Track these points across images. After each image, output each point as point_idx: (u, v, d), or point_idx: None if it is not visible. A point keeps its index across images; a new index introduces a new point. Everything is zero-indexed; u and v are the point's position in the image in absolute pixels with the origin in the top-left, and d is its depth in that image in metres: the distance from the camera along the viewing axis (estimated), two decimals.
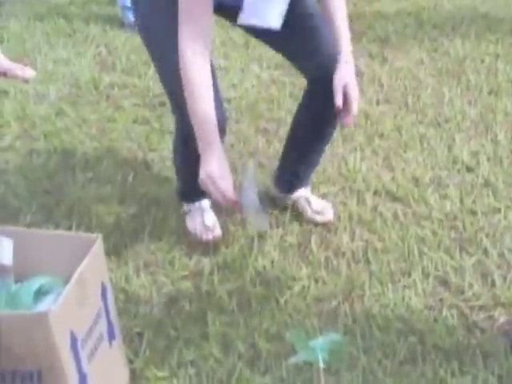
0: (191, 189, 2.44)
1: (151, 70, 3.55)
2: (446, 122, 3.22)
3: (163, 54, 2.17)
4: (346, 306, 2.26)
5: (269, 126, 3.18)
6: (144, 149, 3.06)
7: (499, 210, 2.65)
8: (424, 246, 2.48)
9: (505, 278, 2.34)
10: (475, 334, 2.14)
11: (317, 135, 2.43)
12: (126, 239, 2.53)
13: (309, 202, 2.61)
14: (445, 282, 2.34)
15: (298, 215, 2.62)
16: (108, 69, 3.76)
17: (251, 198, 2.00)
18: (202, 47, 2.00)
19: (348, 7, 4.11)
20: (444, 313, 2.22)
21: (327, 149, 2.55)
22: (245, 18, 2.08)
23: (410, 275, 2.37)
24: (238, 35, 3.98)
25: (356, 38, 3.92)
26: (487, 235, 2.53)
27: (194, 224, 2.53)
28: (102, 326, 1.85)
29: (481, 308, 2.23)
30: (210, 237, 2.51)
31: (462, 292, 2.30)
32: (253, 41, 3.73)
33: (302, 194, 2.63)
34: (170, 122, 2.93)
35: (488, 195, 2.73)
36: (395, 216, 2.63)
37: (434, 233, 2.54)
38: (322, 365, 1.81)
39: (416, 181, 2.82)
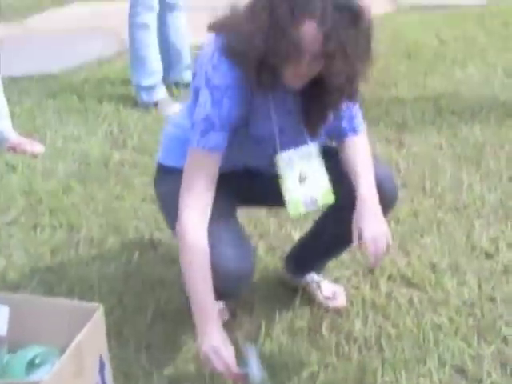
0: None
1: None
2: (464, 208, 3.21)
3: None
4: None
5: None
6: (151, 228, 3.06)
7: None
8: (440, 333, 2.44)
9: None
10: None
11: (341, 245, 2.42)
12: (128, 318, 2.51)
13: (320, 287, 2.59)
14: (462, 371, 2.29)
15: (308, 298, 2.59)
16: (119, 146, 3.81)
17: (255, 367, 2.00)
18: (202, 220, 2.01)
19: (364, 93, 4.20)
20: None
21: None
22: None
23: (425, 363, 2.32)
24: None
25: (373, 122, 4.03)
26: (507, 323, 2.49)
27: None
28: None
29: None
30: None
31: (480, 381, 2.24)
32: None
33: (314, 278, 2.61)
34: None
35: (507, 282, 2.70)
36: (410, 302, 2.60)
37: (451, 320, 2.51)
38: None
39: (433, 266, 2.80)
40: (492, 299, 2.62)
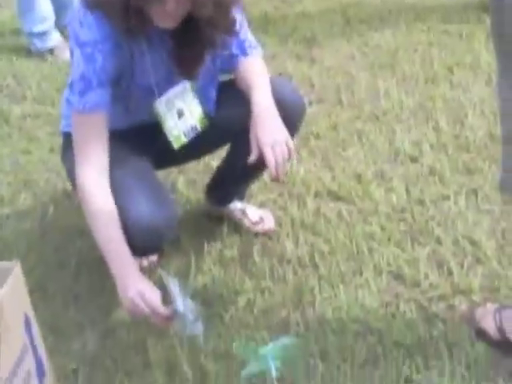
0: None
1: None
2: (383, 115, 3.25)
3: None
4: (296, 314, 2.23)
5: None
6: (63, 178, 2.99)
7: (448, 197, 2.67)
8: (373, 242, 2.48)
9: (461, 265, 2.35)
10: (437, 325, 2.14)
11: (257, 168, 2.40)
12: (51, 273, 2.48)
13: (245, 214, 2.59)
14: (399, 277, 2.34)
15: (236, 226, 2.59)
16: (18, 100, 3.70)
17: (180, 299, 1.98)
18: (102, 179, 2.01)
19: (270, 10, 4.17)
20: (401, 308, 2.21)
21: None
22: None
23: (361, 274, 2.36)
24: None
25: (281, 41, 4.02)
26: (438, 223, 2.54)
27: None
28: (30, 364, 1.79)
29: (440, 298, 2.24)
30: (146, 263, 2.46)
31: (418, 284, 2.30)
32: None
33: (238, 205, 2.61)
34: None
35: (435, 183, 2.75)
36: (339, 216, 2.63)
37: (383, 227, 2.55)
38: (274, 374, 1.79)
39: (358, 177, 2.83)
40: (421, 202, 2.67)
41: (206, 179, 2.74)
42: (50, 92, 3.70)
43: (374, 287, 2.30)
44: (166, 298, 1.98)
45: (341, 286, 2.31)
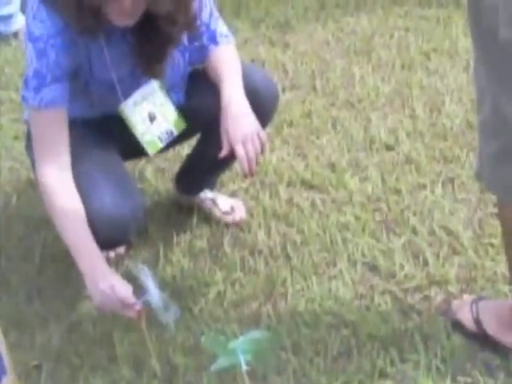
0: None
1: None
2: (359, 102, 3.25)
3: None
4: (268, 306, 2.24)
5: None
6: (27, 166, 2.97)
7: (424, 186, 2.68)
8: (347, 232, 2.49)
9: (437, 256, 2.36)
10: (412, 317, 2.15)
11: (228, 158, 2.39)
12: (14, 265, 2.46)
13: (216, 203, 2.58)
14: (374, 268, 2.35)
15: (206, 216, 2.59)
16: None
17: (152, 289, 1.98)
18: (64, 174, 2.00)
19: None
20: (376, 300, 2.22)
21: None
22: None
23: (335, 265, 2.37)
24: None
25: (254, 25, 4.01)
26: (414, 213, 2.55)
27: None
28: None
29: (415, 289, 2.25)
30: (112, 255, 2.44)
31: (394, 275, 2.30)
32: None
33: (208, 195, 2.60)
34: None
35: (411, 172, 2.76)
36: (313, 205, 2.63)
37: (357, 217, 2.55)
38: (244, 368, 1.78)
39: (332, 166, 2.83)
40: (397, 191, 2.67)
41: (175, 168, 2.73)
42: (13, 77, 3.66)
43: (348, 279, 2.30)
44: (136, 290, 1.97)
45: (314, 278, 2.31)
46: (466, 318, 2.07)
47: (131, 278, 1.98)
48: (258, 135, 2.04)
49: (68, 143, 2.02)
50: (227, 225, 2.56)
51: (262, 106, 2.17)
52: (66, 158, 2.02)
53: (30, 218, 2.66)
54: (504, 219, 1.84)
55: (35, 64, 1.95)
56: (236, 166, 2.73)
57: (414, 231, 2.47)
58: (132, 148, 2.21)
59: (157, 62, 2.10)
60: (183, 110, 2.23)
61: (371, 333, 2.10)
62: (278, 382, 1.99)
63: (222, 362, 1.84)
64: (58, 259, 2.44)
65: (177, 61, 2.18)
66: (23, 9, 4.15)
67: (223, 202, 2.59)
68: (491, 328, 2.02)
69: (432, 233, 2.46)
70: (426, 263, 2.34)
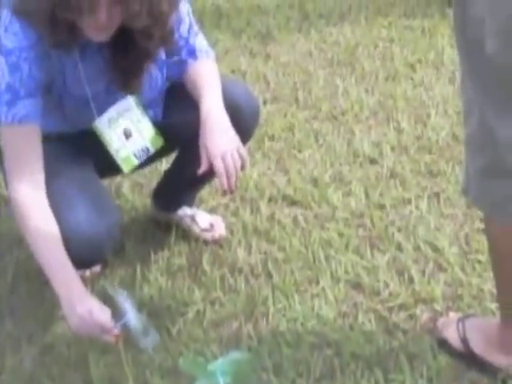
0: None
1: None
2: (342, 115, 3.26)
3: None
4: (248, 326, 2.23)
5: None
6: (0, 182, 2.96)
7: (409, 201, 2.69)
8: (330, 249, 2.49)
9: (423, 273, 2.37)
10: (397, 336, 2.15)
11: (207, 174, 2.39)
12: None
13: (195, 220, 2.58)
14: (357, 285, 2.35)
15: (185, 233, 2.58)
16: None
17: (130, 312, 1.97)
18: (38, 192, 1.99)
19: (222, 3, 4.17)
20: (360, 318, 2.22)
21: None
22: None
23: (317, 283, 2.37)
24: None
25: (235, 36, 4.02)
26: (399, 229, 2.56)
27: None
28: None
29: (400, 307, 2.25)
30: (88, 273, 2.43)
31: (378, 293, 2.31)
32: None
33: (187, 212, 2.60)
34: None
35: (395, 186, 2.77)
36: (295, 221, 2.64)
37: (340, 234, 2.56)
38: None
39: (315, 181, 2.84)
40: (381, 206, 2.68)
41: (152, 183, 2.73)
42: None
43: (331, 297, 2.30)
44: (113, 312, 1.96)
45: (296, 296, 2.31)
46: (452, 336, 2.07)
47: (107, 299, 1.97)
48: (238, 151, 2.04)
49: (42, 159, 2.01)
50: (206, 242, 2.55)
51: (243, 121, 2.17)
52: (39, 175, 2.00)
53: (3, 236, 2.65)
54: (491, 235, 1.84)
55: (8, 78, 1.94)
56: (216, 181, 2.73)
57: (399, 247, 2.48)
58: (108, 165, 2.20)
59: (133, 76, 2.09)
60: (161, 127, 2.22)
61: (355, 352, 2.10)
62: None
63: None
64: (31, 278, 2.42)
65: (154, 76, 2.18)
66: None
67: (202, 218, 2.59)
68: (478, 347, 2.02)
69: (417, 249, 2.47)
70: (411, 280, 2.34)
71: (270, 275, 2.41)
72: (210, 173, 2.04)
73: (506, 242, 1.78)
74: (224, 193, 2.06)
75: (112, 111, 2.13)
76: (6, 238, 2.64)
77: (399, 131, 3.11)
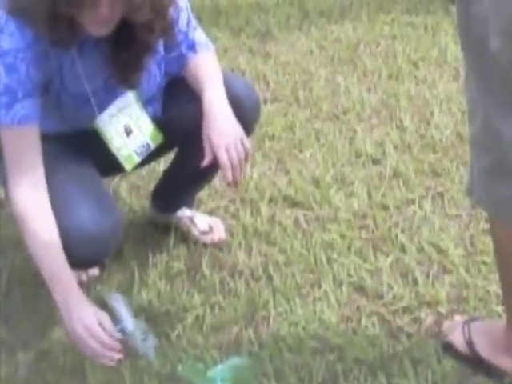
0: None
1: None
2: (344, 114, 3.25)
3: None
4: (249, 331, 2.22)
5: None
6: None
7: (413, 202, 2.68)
8: (332, 251, 2.48)
9: (427, 275, 2.36)
10: (401, 340, 2.14)
11: (208, 172, 2.38)
12: None
13: (194, 222, 2.57)
14: (360, 288, 2.34)
15: (184, 236, 2.57)
16: None
17: (130, 322, 1.97)
18: (38, 195, 1.98)
19: (221, 1, 4.16)
20: (363, 322, 2.21)
21: None
22: None
23: (319, 286, 2.36)
24: None
25: (233, 34, 4.01)
26: (402, 230, 2.55)
27: None
28: None
29: (404, 311, 2.24)
30: (85, 277, 2.43)
31: (381, 296, 2.30)
32: None
33: (186, 213, 2.59)
34: None
35: (399, 187, 2.76)
36: (296, 223, 2.63)
37: (343, 236, 2.55)
38: None
39: (316, 181, 2.82)
40: (384, 207, 2.67)
41: (150, 185, 2.72)
42: None
43: (334, 300, 2.29)
44: (110, 318, 1.96)
45: (297, 300, 2.30)
46: (457, 340, 2.06)
47: (104, 304, 1.97)
48: (242, 142, 2.04)
49: (42, 160, 2.00)
50: (206, 245, 2.54)
51: (244, 115, 2.16)
52: (40, 176, 1.99)
53: None
54: (496, 236, 1.83)
55: (5, 80, 1.93)
56: (216, 182, 2.73)
57: (403, 249, 2.47)
58: (108, 163, 2.20)
59: (133, 70, 2.09)
60: (160, 123, 2.22)
61: (358, 357, 2.09)
62: None
63: None
64: (26, 282, 2.41)
65: (153, 73, 2.17)
66: None
67: (201, 220, 2.58)
68: (484, 350, 2.01)
69: (421, 251, 2.46)
70: (415, 283, 2.33)
71: (270, 278, 2.40)
72: (214, 165, 2.04)
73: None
74: (229, 185, 2.07)
75: (112, 108, 2.12)
76: (0, 242, 2.63)
77: (402, 130, 3.10)
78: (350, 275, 2.38)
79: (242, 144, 2.04)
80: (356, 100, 3.33)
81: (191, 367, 1.92)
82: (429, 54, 3.70)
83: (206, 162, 2.03)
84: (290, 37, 4.01)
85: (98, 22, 1.87)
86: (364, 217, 2.63)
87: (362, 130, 3.11)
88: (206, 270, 2.44)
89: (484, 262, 2.38)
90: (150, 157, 2.29)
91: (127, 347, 1.94)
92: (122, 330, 1.95)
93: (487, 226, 2.41)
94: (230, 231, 2.60)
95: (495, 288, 2.24)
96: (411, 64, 3.64)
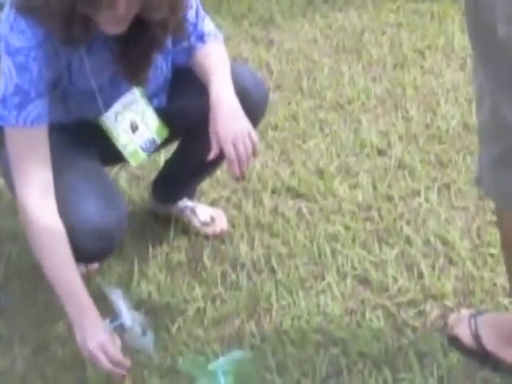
0: None
1: None
2: (348, 104, 3.25)
3: None
4: (251, 324, 2.22)
5: None
6: None
7: (418, 193, 2.68)
8: (336, 243, 2.48)
9: (433, 267, 2.35)
10: (406, 333, 2.14)
11: (211, 163, 2.37)
12: None
13: (195, 213, 2.57)
14: (365, 281, 2.34)
15: (184, 227, 2.57)
16: None
17: (129, 316, 1.98)
18: (47, 198, 1.97)
19: None
20: (368, 315, 2.21)
21: None
22: None
23: (323, 278, 2.35)
24: None
25: (236, 22, 4.01)
26: (408, 222, 2.55)
27: None
28: None
29: (409, 304, 2.24)
30: (84, 270, 2.42)
31: (386, 289, 2.30)
32: None
33: (187, 204, 2.59)
34: None
35: (404, 178, 2.76)
36: (299, 214, 2.62)
37: (347, 227, 2.54)
38: None
39: (320, 172, 2.82)
40: (389, 198, 2.67)
41: (151, 175, 2.72)
42: None
43: (338, 293, 2.29)
44: (109, 312, 1.97)
45: (300, 293, 2.30)
46: (463, 333, 2.06)
47: (103, 297, 1.97)
48: (250, 135, 2.03)
49: (49, 160, 1.99)
50: (207, 236, 2.54)
51: (252, 107, 2.16)
52: (47, 178, 1.98)
53: None
54: (503, 228, 1.83)
55: (16, 79, 1.91)
56: (217, 172, 2.72)
57: (408, 241, 2.46)
58: (110, 153, 2.20)
59: (142, 67, 2.08)
60: (165, 113, 2.21)
61: (362, 351, 2.09)
62: None
63: None
64: (24, 275, 2.42)
65: (159, 65, 2.16)
66: None
67: (203, 211, 2.58)
68: (491, 344, 2.01)
69: (427, 243, 2.45)
70: (420, 275, 2.33)
71: (273, 271, 2.40)
72: (218, 158, 2.04)
73: None
74: (235, 179, 2.07)
75: (118, 105, 2.12)
76: None
77: (408, 120, 3.09)
78: (354, 267, 2.38)
79: (250, 137, 2.03)
80: (361, 89, 3.33)
81: (192, 361, 1.92)
82: (435, 43, 3.69)
83: (212, 155, 2.03)
84: (293, 24, 4.01)
85: (115, 20, 1.87)
86: (369, 208, 2.62)
87: (366, 120, 3.11)
88: (208, 262, 2.44)
89: (491, 255, 2.37)
90: (156, 148, 2.28)
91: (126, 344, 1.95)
92: (121, 325, 1.95)
93: (494, 218, 2.40)
94: (231, 222, 2.60)
95: (502, 281, 2.24)
96: (417, 53, 3.63)
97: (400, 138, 2.99)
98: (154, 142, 2.19)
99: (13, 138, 1.98)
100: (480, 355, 2.02)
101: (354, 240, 2.49)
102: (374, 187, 2.72)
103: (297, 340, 2.14)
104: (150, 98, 2.19)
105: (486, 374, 2.00)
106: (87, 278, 2.37)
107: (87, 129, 2.16)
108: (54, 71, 1.97)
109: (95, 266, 2.43)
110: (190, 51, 2.21)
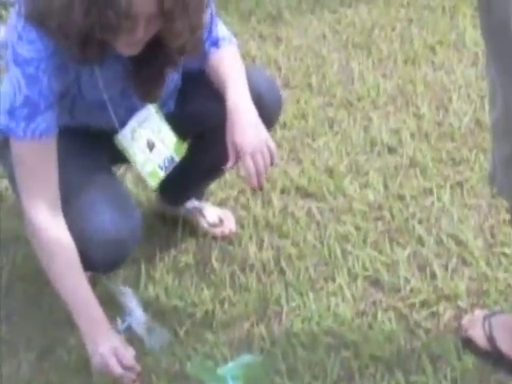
0: None
1: None
2: (358, 101, 3.24)
3: None
4: (261, 327, 2.22)
5: None
6: None
7: (431, 192, 2.67)
8: (347, 244, 2.48)
9: (446, 268, 2.35)
10: (419, 335, 2.14)
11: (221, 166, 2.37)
12: None
13: (203, 214, 2.57)
14: (376, 282, 2.33)
15: (192, 228, 2.57)
16: None
17: (139, 315, 1.98)
18: (55, 213, 1.96)
19: None
20: (379, 317, 2.21)
21: None
22: None
23: (334, 280, 2.35)
24: None
25: (243, 18, 4.00)
26: (420, 221, 2.54)
27: None
28: None
29: (422, 305, 2.24)
30: (89, 273, 2.42)
31: (398, 290, 2.29)
32: None
33: (195, 205, 2.59)
34: None
35: (416, 176, 2.75)
36: (309, 215, 2.62)
37: (358, 227, 2.54)
38: None
39: (330, 171, 2.82)
40: (401, 197, 2.66)
41: None
42: None
43: (349, 294, 2.29)
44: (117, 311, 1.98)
45: (311, 294, 2.30)
46: (477, 335, 2.05)
47: (111, 298, 1.98)
48: (268, 145, 2.03)
49: (57, 173, 1.98)
50: (215, 238, 2.54)
51: (266, 111, 2.15)
52: (55, 191, 1.97)
53: None
54: None
55: (26, 91, 1.89)
56: (227, 175, 2.72)
57: (420, 241, 2.46)
58: (119, 152, 2.19)
59: (155, 86, 2.07)
60: (174, 117, 2.21)
61: (374, 354, 2.08)
62: None
63: None
64: (28, 279, 2.42)
65: (171, 78, 2.15)
66: None
67: (211, 212, 2.57)
68: (506, 345, 2.01)
69: (439, 242, 2.45)
70: (433, 276, 2.33)
71: (283, 272, 2.39)
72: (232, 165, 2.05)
73: None
74: (253, 190, 2.08)
75: (133, 123, 2.11)
76: (2, 235, 2.63)
77: (419, 117, 3.08)
78: (365, 268, 2.37)
79: (268, 147, 2.03)
80: (371, 86, 3.32)
81: (201, 365, 1.91)
82: (446, 38, 3.67)
83: (229, 165, 2.04)
84: (301, 20, 4.00)
85: (131, 43, 1.86)
86: (380, 208, 2.62)
87: (377, 118, 3.10)
88: (216, 264, 2.44)
89: (505, 254, 2.36)
90: None
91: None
92: (129, 324, 1.95)
93: (508, 217, 2.39)
94: (240, 223, 2.59)
95: None
96: (428, 48, 3.62)
97: (411, 135, 2.98)
98: (172, 160, 2.18)
99: (21, 152, 1.96)
100: (494, 357, 2.02)
101: (364, 240, 2.48)
102: (385, 186, 2.71)
103: (307, 343, 2.14)
104: (162, 107, 2.19)
105: (500, 377, 2.00)
106: (94, 280, 2.37)
107: (92, 132, 2.16)
108: (63, 84, 1.96)
109: None
110: (203, 57, 2.20)
